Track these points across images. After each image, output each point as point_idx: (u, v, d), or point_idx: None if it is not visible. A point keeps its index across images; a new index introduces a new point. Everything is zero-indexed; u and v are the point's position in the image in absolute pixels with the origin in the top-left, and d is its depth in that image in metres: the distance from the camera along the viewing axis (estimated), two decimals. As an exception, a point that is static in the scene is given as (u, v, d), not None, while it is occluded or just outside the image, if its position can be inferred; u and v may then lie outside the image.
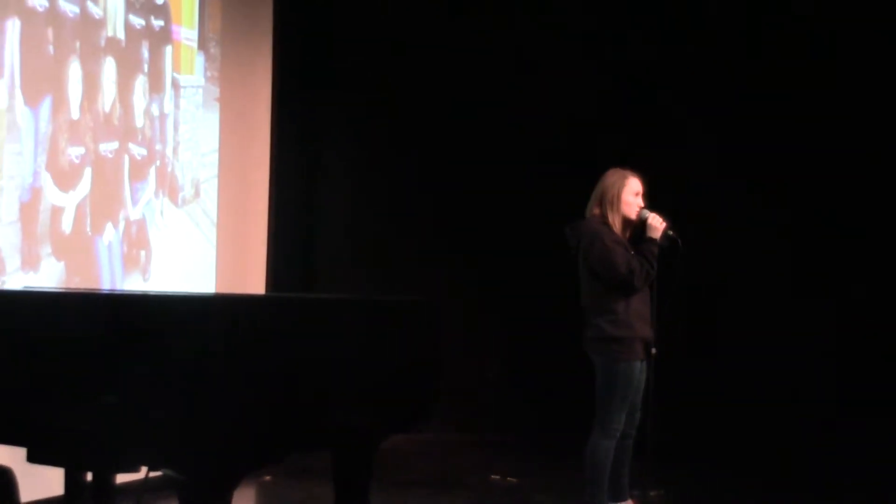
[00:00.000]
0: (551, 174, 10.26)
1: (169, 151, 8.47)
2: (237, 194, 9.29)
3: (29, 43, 7.07)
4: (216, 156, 9.04)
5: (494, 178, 10.54)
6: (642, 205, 7.12)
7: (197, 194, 8.81)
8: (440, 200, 10.86)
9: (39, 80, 7.17)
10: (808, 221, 10.30)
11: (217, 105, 9.04)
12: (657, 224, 7.08)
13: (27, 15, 7.07)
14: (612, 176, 7.14)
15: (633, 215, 7.08)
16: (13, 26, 6.95)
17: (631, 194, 7.08)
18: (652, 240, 7.05)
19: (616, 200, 7.07)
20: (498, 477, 7.38)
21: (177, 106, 8.56)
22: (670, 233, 7.11)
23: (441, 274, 10.51)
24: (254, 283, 9.44)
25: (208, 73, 8.95)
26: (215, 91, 9.02)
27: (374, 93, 10.78)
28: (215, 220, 9.00)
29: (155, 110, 8.30)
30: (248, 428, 3.68)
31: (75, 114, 7.48)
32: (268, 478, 8.59)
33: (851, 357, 10.09)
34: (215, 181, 9.03)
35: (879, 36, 10.15)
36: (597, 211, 7.12)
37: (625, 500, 7.28)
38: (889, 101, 10.12)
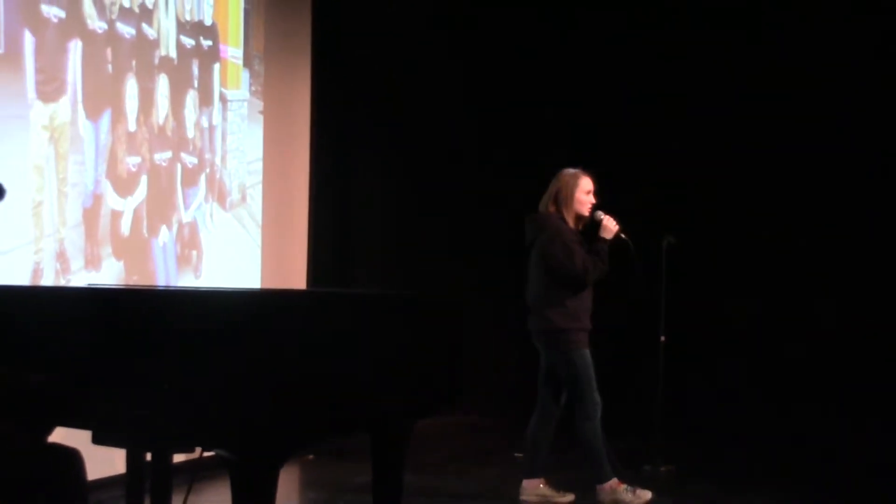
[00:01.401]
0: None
1: (217, 160, 8.49)
2: (280, 198, 9.31)
3: (90, 62, 7.10)
4: (260, 163, 9.06)
5: (521, 177, 10.52)
6: (594, 202, 7.16)
7: (243, 199, 8.83)
8: (469, 200, 10.87)
9: (99, 95, 7.20)
10: (825, 217, 10.21)
11: (261, 117, 9.06)
12: (611, 226, 7.19)
13: (88, 37, 7.10)
14: (566, 175, 7.21)
15: (585, 212, 7.17)
16: (75, 47, 6.98)
17: (583, 192, 7.16)
18: (604, 240, 7.16)
19: (570, 199, 7.13)
20: (521, 455, 7.38)
21: (224, 118, 8.58)
22: (622, 235, 7.18)
23: (468, 269, 10.52)
24: (295, 279, 9.45)
25: (253, 88, 8.97)
26: (259, 104, 9.04)
27: (403, 101, 10.79)
28: (260, 222, 9.02)
29: (204, 122, 8.33)
30: (293, 412, 3.69)
31: (132, 126, 7.51)
32: (311, 457, 8.61)
33: (857, 344, 9.97)
34: (260, 186, 9.04)
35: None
36: (552, 209, 7.17)
37: (538, 477, 7.32)
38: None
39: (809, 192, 10.21)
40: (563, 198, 7.15)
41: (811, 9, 10.12)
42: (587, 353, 7.09)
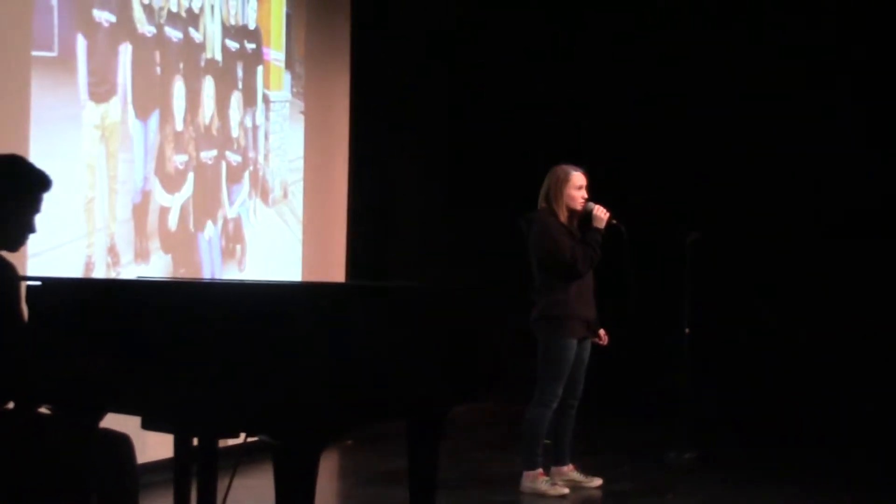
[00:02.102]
0: (615, 170, 10.21)
1: (261, 158, 8.51)
2: (320, 195, 9.32)
3: (139, 64, 7.12)
4: (301, 161, 9.07)
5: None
6: (586, 196, 7.14)
7: (285, 195, 8.85)
8: (499, 195, 10.86)
9: (148, 96, 7.22)
10: (848, 213, 10.12)
11: (302, 117, 9.08)
12: (601, 215, 7.15)
13: (138, 40, 7.12)
14: (558, 172, 7.21)
15: (577, 206, 7.14)
16: (125, 50, 7.00)
17: (574, 188, 7.14)
18: (597, 229, 7.11)
19: (560, 195, 7.12)
20: (549, 441, 7.37)
21: (267, 118, 8.60)
22: (614, 222, 7.16)
23: (499, 261, 10.50)
24: (334, 272, 9.46)
25: (294, 90, 8.98)
26: (300, 105, 9.05)
27: (437, 102, 10.80)
28: (301, 217, 9.04)
29: (248, 122, 8.35)
30: (333, 399, 3.70)
31: (179, 126, 7.53)
32: (349, 442, 8.63)
33: (881, 336, 9.86)
34: (301, 184, 9.06)
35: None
36: (544, 205, 7.19)
37: (566, 464, 7.31)
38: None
39: (833, 187, 10.12)
40: (554, 194, 7.14)
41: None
42: (571, 343, 7.03)
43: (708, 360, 9.46)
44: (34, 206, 4.31)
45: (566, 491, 7.11)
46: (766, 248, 10.33)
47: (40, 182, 4.33)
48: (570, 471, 7.30)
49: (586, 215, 7.14)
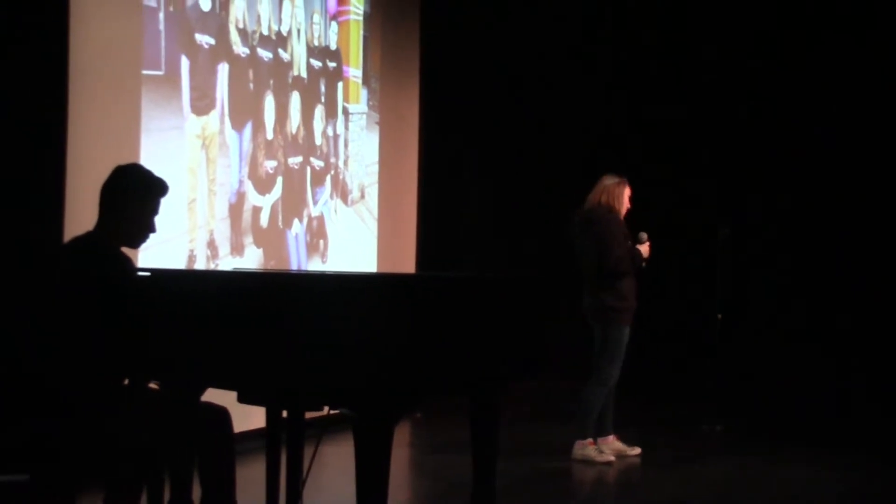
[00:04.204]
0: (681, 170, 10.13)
1: (341, 163, 8.53)
2: (392, 195, 9.33)
3: (235, 81, 7.16)
4: (376, 166, 9.09)
5: (590, 176, 10.45)
6: (629, 206, 7.20)
7: (362, 196, 8.87)
8: (554, 194, 10.82)
9: (243, 109, 7.26)
10: (875, 206, 9.93)
11: (377, 127, 9.09)
12: (645, 251, 7.19)
13: (234, 60, 7.16)
14: (612, 178, 7.20)
15: (624, 210, 7.16)
16: (223, 69, 7.04)
17: (626, 197, 7.15)
18: (638, 252, 7.15)
19: (615, 198, 7.15)
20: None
21: (346, 128, 8.62)
22: (644, 264, 7.16)
23: (553, 252, 10.46)
24: (405, 263, 9.47)
25: (370, 103, 9.00)
26: (376, 116, 9.07)
27: (498, 110, 10.78)
28: (376, 215, 9.05)
29: (330, 132, 8.37)
30: (406, 376, 3.70)
31: (270, 135, 7.56)
32: (418, 415, 8.64)
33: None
34: (376, 185, 9.08)
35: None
36: (605, 204, 7.12)
37: (610, 433, 7.29)
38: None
39: (863, 181, 9.91)
40: (611, 196, 7.15)
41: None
42: (626, 330, 7.08)
43: (737, 343, 9.38)
44: (154, 208, 4.36)
45: (612, 458, 7.10)
46: (793, 242, 10.19)
47: (159, 187, 4.37)
48: (613, 441, 7.26)
49: (637, 239, 7.22)
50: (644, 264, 7.19)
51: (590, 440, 7.12)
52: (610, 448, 7.20)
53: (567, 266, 10.25)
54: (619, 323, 7.04)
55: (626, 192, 7.18)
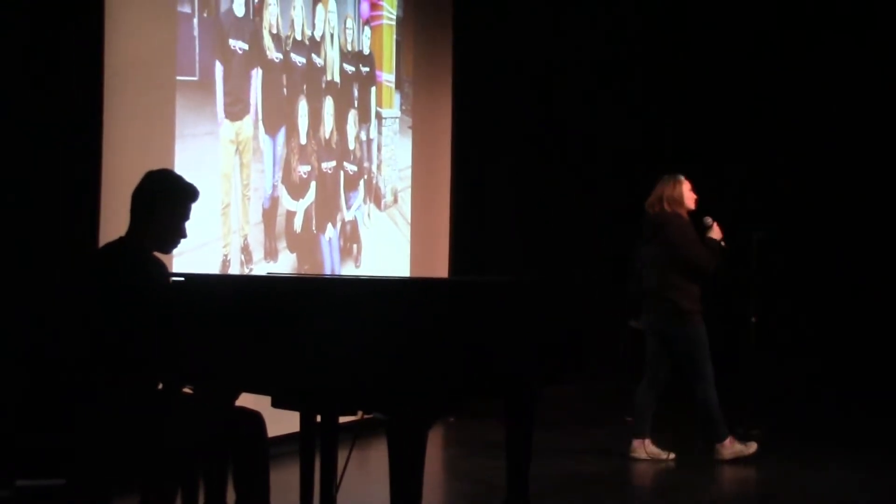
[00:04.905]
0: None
1: (374, 168, 8.53)
2: (426, 200, 9.32)
3: (268, 86, 7.17)
4: (409, 171, 9.08)
5: (620, 179, 10.40)
6: (696, 197, 7.15)
7: (395, 201, 8.86)
8: (581, 199, 10.80)
9: (276, 114, 7.27)
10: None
11: (410, 132, 9.08)
12: (717, 234, 7.16)
13: (267, 65, 7.17)
14: (670, 180, 7.18)
15: (693, 206, 7.15)
16: (257, 74, 7.06)
17: (688, 191, 7.09)
18: (713, 239, 7.12)
19: (681, 199, 7.10)
20: (631, 419, 7.31)
21: (380, 133, 8.61)
22: (723, 243, 7.11)
23: (584, 257, 10.45)
24: (439, 268, 9.46)
25: (403, 107, 8.99)
26: (409, 121, 9.06)
27: (527, 116, 10.77)
28: (409, 220, 9.04)
29: (363, 136, 8.37)
30: (439, 381, 3.68)
31: (303, 140, 7.57)
32: (452, 419, 8.62)
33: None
34: (409, 190, 9.07)
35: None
36: (668, 208, 7.10)
37: (647, 435, 7.28)
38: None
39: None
40: (676, 197, 7.11)
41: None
42: (704, 330, 7.08)
43: (772, 347, 9.31)
44: (185, 214, 4.37)
45: (755, 446, 7.22)
46: (824, 246, 10.11)
47: (190, 193, 4.38)
48: (649, 444, 7.23)
49: (704, 228, 7.19)
50: (723, 244, 7.16)
51: (730, 438, 7.18)
52: (645, 452, 7.16)
53: (598, 269, 10.26)
54: (699, 323, 7.07)
55: (686, 188, 7.17)
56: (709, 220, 7.22)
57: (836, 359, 9.78)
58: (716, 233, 7.18)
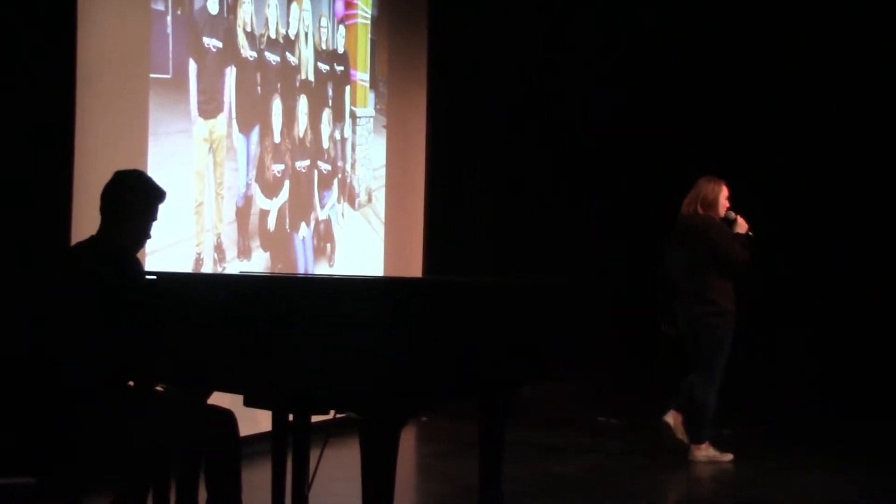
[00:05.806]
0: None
1: (348, 167, 8.51)
2: (400, 200, 9.32)
3: (242, 85, 7.15)
4: (384, 170, 9.07)
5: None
6: (728, 205, 7.13)
7: (369, 200, 8.85)
8: (557, 198, 10.77)
9: (250, 113, 7.24)
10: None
11: (384, 131, 9.07)
12: (742, 227, 7.18)
13: (241, 63, 7.15)
14: (710, 182, 7.20)
15: (723, 213, 7.19)
16: (231, 72, 7.03)
17: (724, 197, 7.14)
18: (741, 234, 7.14)
19: (716, 203, 7.14)
20: (603, 419, 7.32)
21: (354, 132, 8.60)
22: (749, 234, 7.14)
23: (561, 257, 10.41)
24: (412, 267, 9.46)
25: (378, 107, 8.98)
26: (383, 120, 9.05)
27: (503, 116, 10.71)
28: (383, 219, 9.03)
29: (337, 135, 8.35)
30: (412, 381, 3.67)
31: (277, 139, 7.55)
32: (423, 419, 8.61)
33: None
34: (383, 189, 9.06)
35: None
36: (701, 210, 7.13)
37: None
38: None
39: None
40: (711, 201, 7.16)
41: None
42: (731, 334, 7.12)
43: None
44: (153, 215, 4.38)
45: (731, 455, 7.22)
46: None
47: (161, 195, 4.41)
48: (708, 447, 7.25)
49: (728, 223, 7.23)
50: (751, 235, 7.18)
51: (707, 443, 7.20)
52: (704, 455, 7.19)
53: (570, 269, 10.22)
54: (730, 325, 7.09)
55: (724, 194, 7.21)
56: (732, 213, 7.23)
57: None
58: (741, 226, 7.19)
